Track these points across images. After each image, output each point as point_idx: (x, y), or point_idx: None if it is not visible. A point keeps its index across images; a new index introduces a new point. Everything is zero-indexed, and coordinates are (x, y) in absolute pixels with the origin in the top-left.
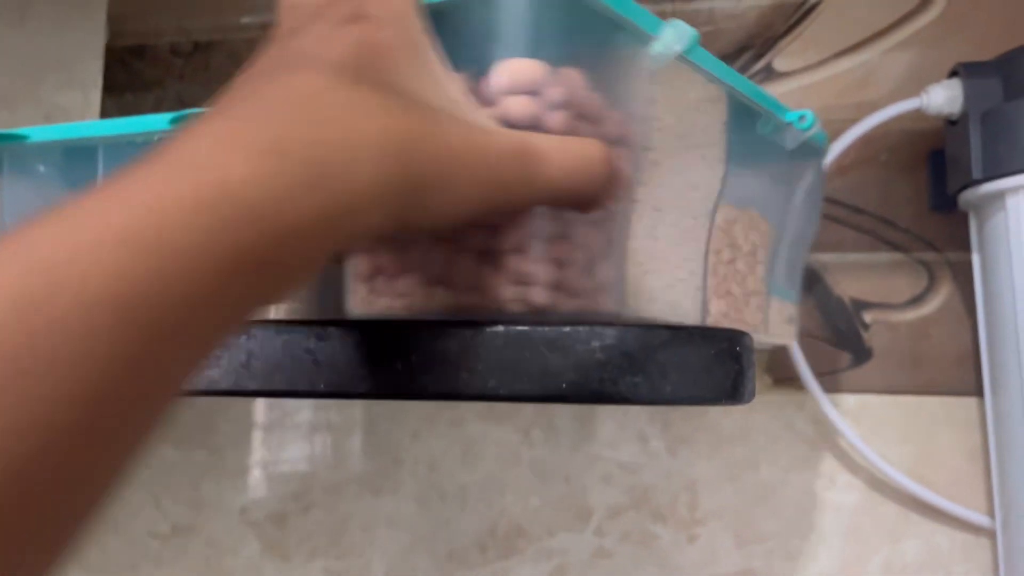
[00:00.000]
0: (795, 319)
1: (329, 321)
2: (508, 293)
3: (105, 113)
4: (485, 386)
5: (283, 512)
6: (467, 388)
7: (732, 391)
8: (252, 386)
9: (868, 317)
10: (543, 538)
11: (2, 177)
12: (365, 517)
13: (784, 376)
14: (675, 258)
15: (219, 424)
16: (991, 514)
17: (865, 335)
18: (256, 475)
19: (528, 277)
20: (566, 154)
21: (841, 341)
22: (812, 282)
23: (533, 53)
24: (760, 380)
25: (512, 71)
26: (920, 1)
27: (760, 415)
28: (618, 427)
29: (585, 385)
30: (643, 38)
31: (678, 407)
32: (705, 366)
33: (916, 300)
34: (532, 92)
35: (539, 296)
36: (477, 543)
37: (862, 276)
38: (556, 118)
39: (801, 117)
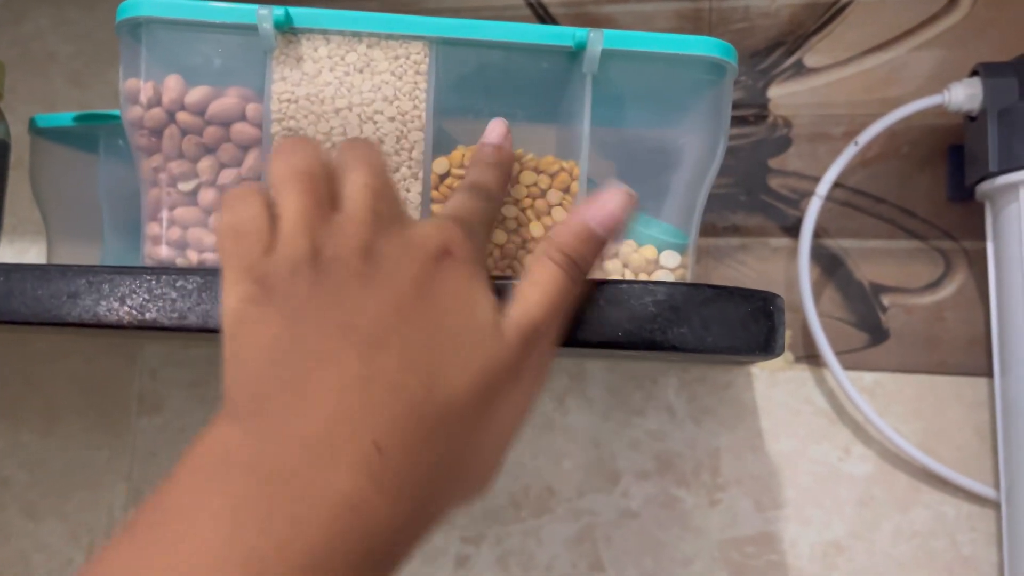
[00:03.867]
0: (678, 265)
1: None
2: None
3: None
4: None
5: None
6: None
7: (765, 344)
8: None
9: (886, 300)
10: (573, 499)
11: (99, 154)
12: None
13: (805, 354)
14: None
15: None
16: (996, 486)
17: (883, 317)
18: None
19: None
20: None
21: (860, 322)
22: (834, 267)
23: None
24: (782, 357)
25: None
26: (946, 3)
27: (781, 390)
28: (647, 397)
29: (638, 334)
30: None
31: (705, 380)
32: (742, 321)
33: (932, 285)
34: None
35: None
36: (512, 502)
37: (882, 262)
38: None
39: (572, 35)
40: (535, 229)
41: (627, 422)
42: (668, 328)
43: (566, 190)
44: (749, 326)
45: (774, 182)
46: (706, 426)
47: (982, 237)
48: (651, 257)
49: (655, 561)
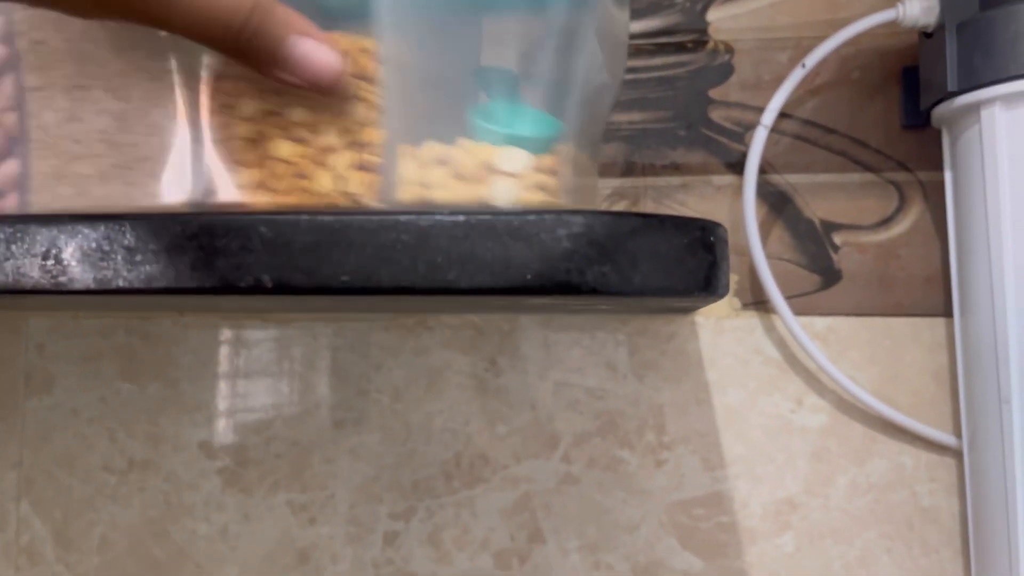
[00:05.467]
0: (533, 168)
1: (276, 212)
2: None
3: None
4: (445, 279)
5: (244, 446)
6: (425, 282)
7: (705, 283)
8: (192, 284)
9: (838, 239)
10: (509, 466)
11: None
12: (328, 450)
13: (753, 300)
14: (131, 136)
15: (176, 356)
16: (957, 434)
17: (835, 257)
18: (215, 408)
19: None
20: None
21: (811, 263)
22: (782, 204)
23: None
24: (728, 304)
25: None
26: None
27: (728, 339)
28: (585, 353)
29: (551, 276)
30: None
31: (646, 332)
32: (677, 256)
33: (886, 221)
34: None
35: None
36: (443, 473)
37: (833, 197)
38: None
39: None
40: (331, 137)
41: (565, 381)
42: (587, 267)
43: (364, 77)
44: (686, 261)
45: (716, 114)
46: (649, 381)
47: (939, 167)
48: (484, 159)
49: (599, 528)
